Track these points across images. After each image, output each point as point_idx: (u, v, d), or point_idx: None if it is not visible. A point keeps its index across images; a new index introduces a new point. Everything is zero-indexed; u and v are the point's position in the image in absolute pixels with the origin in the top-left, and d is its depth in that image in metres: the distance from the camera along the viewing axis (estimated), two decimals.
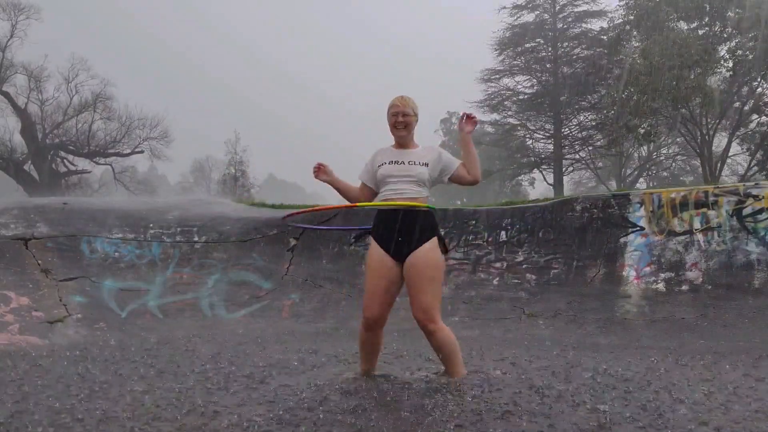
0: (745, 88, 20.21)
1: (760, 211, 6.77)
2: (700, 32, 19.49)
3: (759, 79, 19.39)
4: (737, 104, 20.88)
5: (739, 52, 18.63)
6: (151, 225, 8.00)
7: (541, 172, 29.48)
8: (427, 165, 3.42)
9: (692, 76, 18.04)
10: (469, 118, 3.48)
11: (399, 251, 3.34)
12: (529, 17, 28.48)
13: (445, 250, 3.43)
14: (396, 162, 3.43)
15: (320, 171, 3.53)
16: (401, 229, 3.32)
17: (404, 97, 3.48)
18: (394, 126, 3.45)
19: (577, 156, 28.95)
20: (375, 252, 3.40)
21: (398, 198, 3.36)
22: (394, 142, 3.55)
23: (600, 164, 30.16)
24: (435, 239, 3.36)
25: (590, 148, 27.86)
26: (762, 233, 6.70)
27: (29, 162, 28.23)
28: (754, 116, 20.99)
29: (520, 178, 32.62)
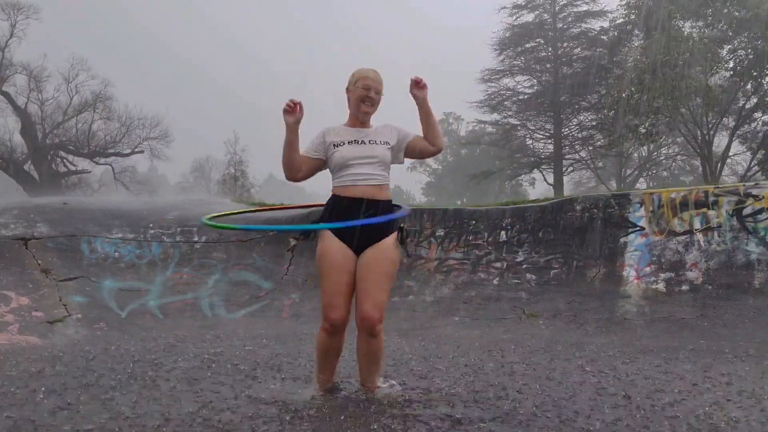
0: (750, 84, 20.14)
1: (760, 211, 6.77)
2: (704, 31, 19.48)
3: (759, 79, 19.38)
4: (738, 104, 20.87)
5: (741, 52, 18.62)
6: (151, 225, 8.00)
7: (541, 172, 29.47)
8: (388, 144, 3.08)
9: (693, 76, 18.04)
10: (416, 83, 3.00)
11: (361, 244, 2.98)
12: (528, 17, 28.49)
13: (402, 241, 3.07)
14: (356, 142, 3.05)
15: (294, 110, 2.95)
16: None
17: (377, 72, 3.11)
18: (362, 100, 3.05)
19: (577, 156, 28.94)
20: (333, 244, 2.98)
21: (362, 184, 2.98)
22: (346, 121, 3.18)
23: (600, 164, 30.14)
24: (395, 234, 3.05)
25: (590, 148, 27.85)
26: (762, 233, 6.69)
27: (29, 162, 28.23)
28: (758, 114, 20.92)
29: (520, 178, 32.60)
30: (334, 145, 3.06)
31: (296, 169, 3.05)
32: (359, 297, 2.95)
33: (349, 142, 3.05)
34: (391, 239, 3.01)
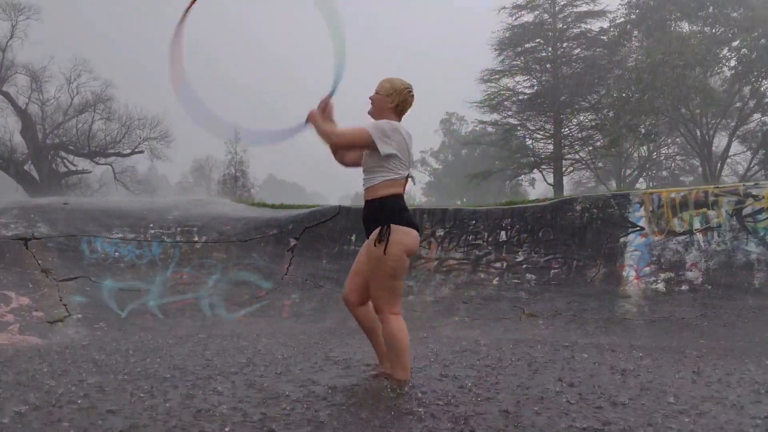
0: (747, 87, 20.18)
1: (760, 211, 6.77)
2: (705, 31, 19.48)
3: (761, 79, 19.39)
4: (738, 104, 20.87)
5: (743, 51, 18.62)
6: (151, 225, 7.99)
7: (541, 172, 29.45)
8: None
9: (693, 76, 18.05)
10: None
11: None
12: (528, 17, 28.47)
13: (380, 240, 3.28)
14: None
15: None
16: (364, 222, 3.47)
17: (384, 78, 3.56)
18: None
19: (577, 156, 28.92)
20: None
21: (364, 189, 3.44)
22: None
23: (600, 164, 30.13)
24: (378, 230, 3.33)
25: (590, 148, 27.83)
26: (762, 233, 6.70)
27: (29, 162, 28.27)
28: (756, 115, 20.97)
29: (520, 178, 32.58)
30: None
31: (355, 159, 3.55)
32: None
33: None
34: (374, 235, 3.32)
